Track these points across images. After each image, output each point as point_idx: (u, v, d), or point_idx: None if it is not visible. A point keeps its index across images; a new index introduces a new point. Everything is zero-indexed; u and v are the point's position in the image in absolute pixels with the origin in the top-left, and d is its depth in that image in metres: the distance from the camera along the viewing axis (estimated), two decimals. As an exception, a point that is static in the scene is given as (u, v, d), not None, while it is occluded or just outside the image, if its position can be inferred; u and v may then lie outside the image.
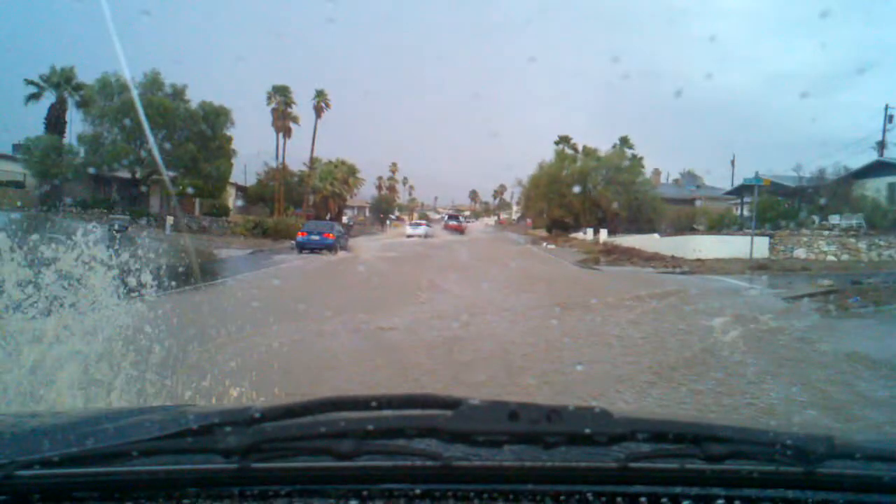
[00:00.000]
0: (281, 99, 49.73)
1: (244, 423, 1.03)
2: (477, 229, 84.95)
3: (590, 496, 1.04)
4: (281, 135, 50.43)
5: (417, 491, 1.04)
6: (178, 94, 33.28)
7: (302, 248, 26.70)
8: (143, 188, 33.63)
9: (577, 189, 41.26)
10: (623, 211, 43.36)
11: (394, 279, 17.82)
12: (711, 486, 1.06)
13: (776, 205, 29.94)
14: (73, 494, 1.02)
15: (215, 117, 33.58)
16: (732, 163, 71.01)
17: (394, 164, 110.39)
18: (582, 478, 1.07)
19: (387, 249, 32.24)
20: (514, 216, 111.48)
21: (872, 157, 33.51)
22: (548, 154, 53.21)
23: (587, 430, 1.01)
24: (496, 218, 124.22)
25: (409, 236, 46.84)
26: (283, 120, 49.66)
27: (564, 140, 59.00)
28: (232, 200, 55.75)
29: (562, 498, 1.04)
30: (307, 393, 5.42)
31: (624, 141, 59.17)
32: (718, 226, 33.75)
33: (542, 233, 54.58)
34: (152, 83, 32.61)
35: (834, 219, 27.82)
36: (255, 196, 54.48)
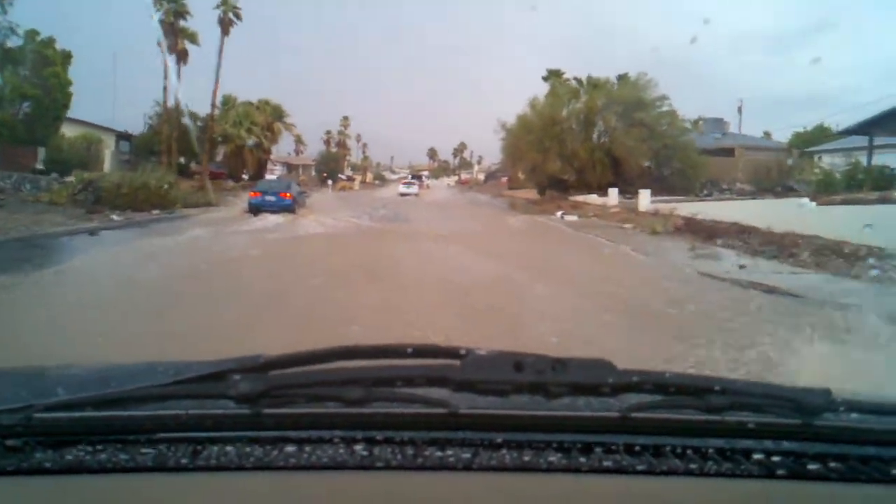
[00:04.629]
0: (170, 6, 35.29)
1: (255, 370, 1.04)
2: (438, 190, 71.82)
3: (592, 444, 1.05)
4: (173, 60, 36.14)
5: (425, 438, 1.04)
6: None
7: (257, 210, 24.09)
8: None
9: (609, 120, 28.69)
10: (654, 164, 31.11)
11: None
12: (711, 437, 1.08)
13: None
14: (90, 438, 1.02)
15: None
16: (739, 110, 59.64)
17: (345, 119, 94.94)
18: (585, 427, 1.08)
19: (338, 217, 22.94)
20: (478, 175, 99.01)
21: None
22: (524, 106, 39.30)
23: (590, 381, 1.04)
24: (456, 178, 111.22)
25: (402, 195, 48.20)
26: (173, 36, 35.28)
27: (555, 75, 45.78)
28: (111, 153, 41.82)
29: (565, 446, 1.05)
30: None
31: (622, 78, 45.59)
32: (841, 188, 21.74)
33: (528, 194, 41.79)
34: None
35: None
36: (143, 147, 40.26)
